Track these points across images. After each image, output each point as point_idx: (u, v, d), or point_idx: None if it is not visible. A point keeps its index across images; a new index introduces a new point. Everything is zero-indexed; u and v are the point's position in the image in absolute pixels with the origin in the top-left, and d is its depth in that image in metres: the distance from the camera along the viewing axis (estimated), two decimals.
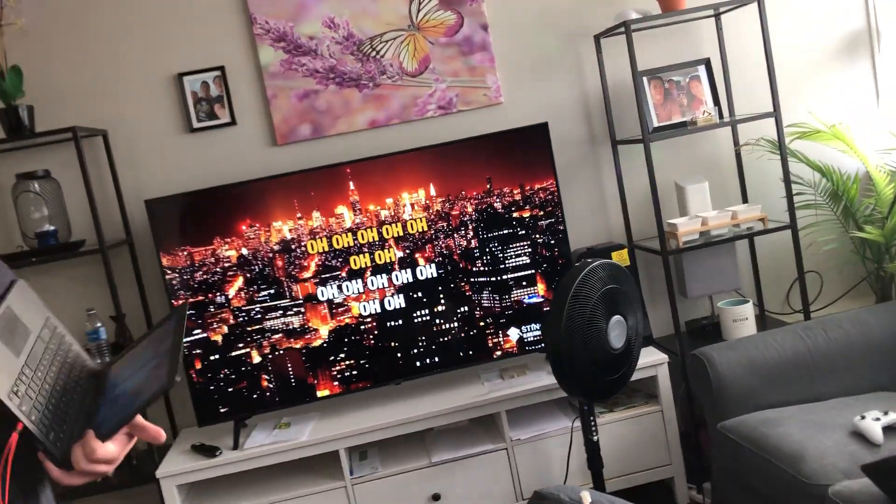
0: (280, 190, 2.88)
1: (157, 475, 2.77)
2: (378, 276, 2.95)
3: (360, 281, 2.94)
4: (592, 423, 2.68)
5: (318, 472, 2.97)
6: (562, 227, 3.00)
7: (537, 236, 3.00)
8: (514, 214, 2.98)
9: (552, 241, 3.01)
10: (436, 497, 2.87)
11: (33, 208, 2.94)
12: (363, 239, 2.93)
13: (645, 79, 3.09)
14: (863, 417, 2.23)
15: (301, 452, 2.83)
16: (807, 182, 3.17)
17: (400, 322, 2.97)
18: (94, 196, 2.88)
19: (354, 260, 2.93)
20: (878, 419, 2.21)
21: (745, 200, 3.31)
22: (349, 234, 2.92)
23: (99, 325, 2.93)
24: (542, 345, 3.04)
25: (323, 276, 2.92)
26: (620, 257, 3.05)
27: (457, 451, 2.91)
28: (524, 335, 3.04)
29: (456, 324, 3.00)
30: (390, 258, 2.95)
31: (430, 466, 2.87)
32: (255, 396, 2.93)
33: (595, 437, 2.69)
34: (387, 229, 2.94)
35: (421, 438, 3.11)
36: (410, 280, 2.96)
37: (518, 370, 3.12)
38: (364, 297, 2.95)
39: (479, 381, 3.08)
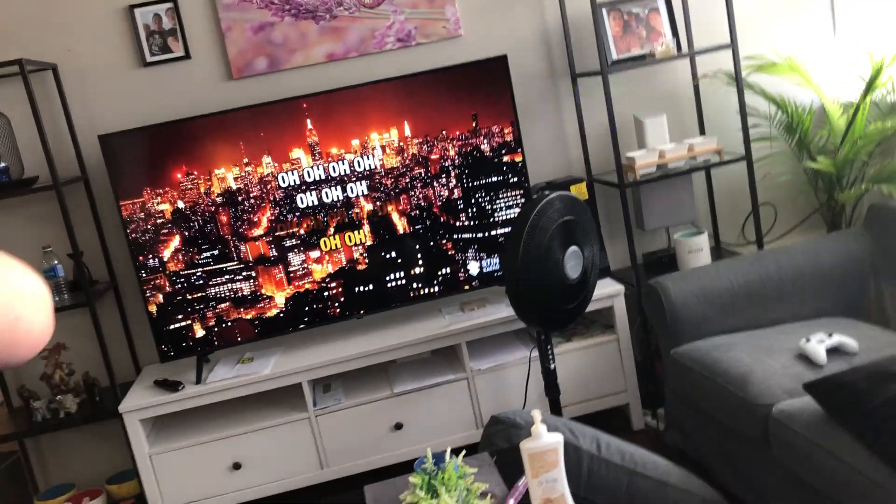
0: (234, 125, 2.85)
1: (120, 409, 2.79)
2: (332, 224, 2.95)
3: (324, 237, 2.94)
4: (549, 352, 2.74)
5: (281, 404, 3.01)
6: (521, 162, 3.01)
7: (496, 171, 3.01)
8: (470, 149, 2.98)
9: (511, 177, 3.02)
10: (398, 426, 2.93)
11: None
12: (325, 184, 2.92)
13: (604, 10, 3.08)
14: (808, 340, 2.31)
15: (264, 385, 2.86)
16: (762, 114, 3.20)
17: (365, 265, 2.99)
18: (46, 132, 2.82)
19: (316, 212, 2.92)
20: (822, 341, 2.29)
21: (702, 133, 3.34)
22: (309, 179, 2.91)
23: (56, 262, 2.90)
24: (502, 277, 3.08)
25: (278, 233, 2.92)
26: (579, 191, 3.08)
27: (419, 381, 2.96)
28: (484, 269, 3.07)
29: (418, 258, 3.02)
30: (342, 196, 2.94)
31: (393, 397, 2.92)
32: (216, 331, 2.94)
33: (552, 366, 2.76)
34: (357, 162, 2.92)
35: (384, 370, 3.15)
36: (367, 212, 2.97)
37: (478, 303, 3.16)
38: (327, 258, 2.95)
39: (441, 315, 3.12)
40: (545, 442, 1.77)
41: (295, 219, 2.93)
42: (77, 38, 3.03)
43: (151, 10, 3.06)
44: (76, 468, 3.23)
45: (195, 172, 2.85)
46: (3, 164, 2.87)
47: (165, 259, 2.88)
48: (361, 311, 3.02)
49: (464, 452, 1.99)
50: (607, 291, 2.99)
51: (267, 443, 2.87)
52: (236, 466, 2.87)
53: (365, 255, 2.99)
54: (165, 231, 2.86)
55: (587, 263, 2.67)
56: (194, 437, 2.87)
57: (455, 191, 3.00)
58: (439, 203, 3.00)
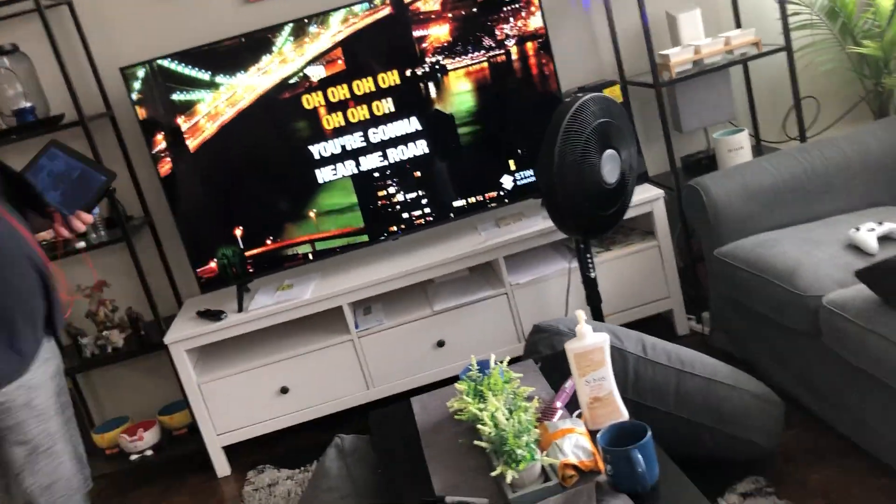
0: (255, 48, 2.78)
1: (166, 341, 2.83)
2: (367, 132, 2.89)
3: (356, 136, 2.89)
4: (589, 261, 2.69)
5: (324, 328, 3.02)
6: (551, 68, 2.91)
7: (525, 78, 2.91)
8: (499, 54, 2.88)
9: (541, 83, 2.93)
10: (440, 344, 2.93)
11: (6, 85, 2.86)
12: (359, 91, 2.85)
13: None
14: (857, 229, 2.23)
15: (306, 310, 2.87)
16: (803, 0, 3.04)
17: (378, 176, 2.94)
18: (68, 69, 2.79)
19: (352, 113, 2.86)
20: (872, 230, 2.21)
21: (738, 26, 3.19)
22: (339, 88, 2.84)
23: None
24: (536, 190, 3.02)
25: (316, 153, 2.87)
26: (613, 94, 2.97)
27: (458, 298, 2.95)
28: (517, 182, 3.01)
29: (452, 176, 2.97)
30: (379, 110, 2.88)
31: (434, 315, 2.92)
32: (255, 259, 2.94)
33: (592, 275, 2.72)
34: (382, 78, 2.84)
35: (422, 290, 3.14)
36: (403, 133, 2.91)
37: (514, 218, 3.11)
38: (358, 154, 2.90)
39: (476, 232, 3.09)
40: (591, 341, 1.74)
41: (325, 140, 2.88)
42: None
43: None
44: (128, 401, 3.30)
45: (221, 96, 2.80)
46: (29, 104, 2.85)
47: (198, 190, 2.86)
48: (398, 232, 2.99)
49: (508, 358, 1.98)
50: (646, 196, 2.92)
51: (312, 366, 2.90)
52: (284, 391, 2.90)
53: (395, 174, 2.94)
54: (196, 161, 2.84)
55: (625, 167, 2.60)
56: (240, 364, 2.91)
57: (483, 100, 2.91)
58: (467, 115, 2.92)
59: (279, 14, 3.05)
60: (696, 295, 3.08)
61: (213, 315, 2.89)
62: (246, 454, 3.05)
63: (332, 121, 2.86)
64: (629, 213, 2.83)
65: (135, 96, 2.76)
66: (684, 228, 3.07)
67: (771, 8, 3.15)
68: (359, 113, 2.86)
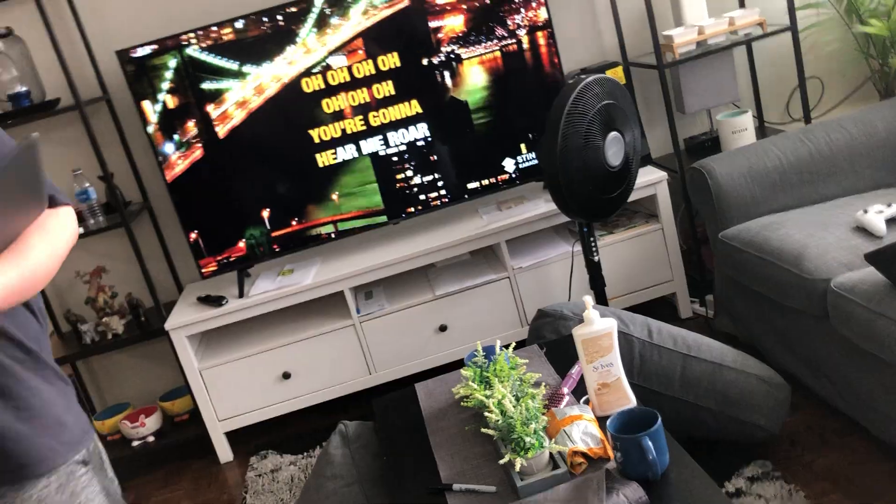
0: (242, 24, 2.74)
1: (166, 327, 2.81)
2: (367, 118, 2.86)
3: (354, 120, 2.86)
4: (593, 244, 2.67)
5: (325, 313, 3.00)
6: (552, 47, 2.88)
7: (526, 59, 2.88)
8: (501, 35, 2.84)
9: (543, 64, 2.89)
10: (443, 328, 2.92)
11: (1, 69, 2.82)
12: (358, 73, 2.82)
13: None
14: (865, 212, 2.21)
15: (307, 295, 2.85)
16: None
17: (395, 159, 2.91)
18: (63, 52, 2.74)
19: (352, 96, 2.83)
20: (880, 212, 2.19)
21: (742, 6, 3.15)
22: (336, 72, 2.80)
23: (87, 185, 2.88)
24: (539, 172, 2.99)
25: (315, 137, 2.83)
26: (615, 75, 2.94)
27: (460, 283, 2.93)
28: (519, 164, 2.98)
29: (451, 159, 2.94)
30: (378, 93, 2.84)
31: (435, 300, 2.90)
32: (254, 244, 2.91)
33: (596, 258, 2.70)
34: (382, 61, 2.81)
35: (424, 275, 3.12)
36: (402, 117, 2.88)
37: (515, 201, 3.09)
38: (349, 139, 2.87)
39: (478, 215, 3.06)
40: (598, 327, 1.72)
41: (327, 122, 2.85)
42: None
43: None
44: (129, 388, 3.29)
45: (220, 81, 2.76)
46: (24, 89, 2.81)
47: (197, 175, 2.83)
48: (415, 213, 2.96)
49: (513, 344, 1.96)
50: (649, 179, 2.89)
51: (314, 351, 2.88)
52: (286, 376, 2.89)
53: (397, 156, 2.91)
54: (194, 145, 2.80)
55: (629, 149, 2.57)
56: (242, 350, 2.89)
57: (484, 81, 2.88)
58: (468, 96, 2.89)
59: None
60: (699, 278, 3.07)
61: (214, 301, 2.87)
62: (248, 440, 3.04)
63: (352, 105, 2.83)
64: (632, 196, 2.81)
65: (130, 79, 2.72)
66: (688, 211, 3.05)
67: None
68: (379, 96, 2.83)
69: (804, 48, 3.10)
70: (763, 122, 3.29)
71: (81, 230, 2.84)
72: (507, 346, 2.18)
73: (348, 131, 2.86)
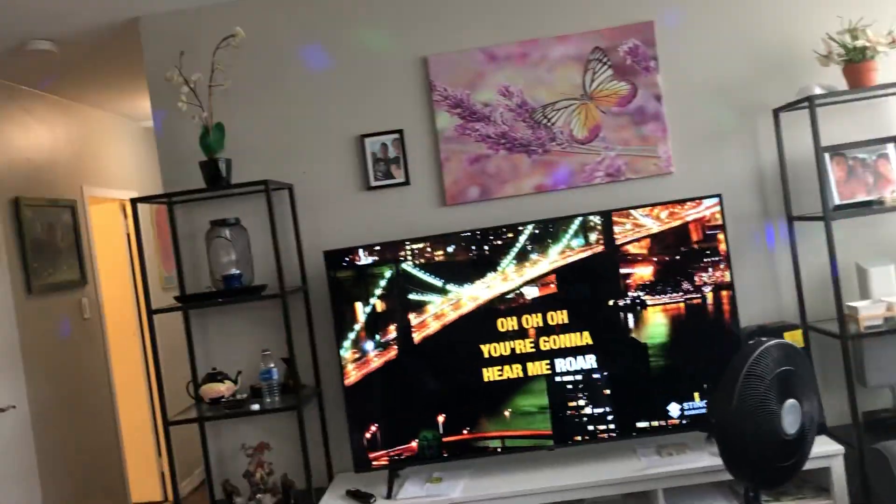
0: (447, 248, 2.98)
1: None
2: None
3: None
4: None
5: None
6: (732, 304, 2.92)
7: (705, 310, 2.93)
8: (685, 286, 2.93)
9: (722, 317, 2.93)
10: None
11: (223, 253, 3.18)
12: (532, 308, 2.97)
13: (827, 155, 2.98)
14: None
15: None
16: None
17: (569, 387, 2.97)
18: (279, 245, 3.08)
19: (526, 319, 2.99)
20: None
21: None
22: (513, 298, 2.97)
23: (272, 365, 3.10)
24: (705, 423, 2.93)
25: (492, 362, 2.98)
26: (794, 338, 2.91)
27: None
28: (685, 411, 2.94)
29: (617, 393, 2.95)
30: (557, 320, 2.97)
31: None
32: (411, 446, 2.99)
33: None
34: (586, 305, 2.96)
35: None
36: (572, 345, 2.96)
37: (676, 448, 3.01)
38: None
39: (635, 456, 3.00)
40: None
41: (501, 339, 2.98)
42: (312, 162, 3.34)
43: (379, 139, 3.32)
44: None
45: (424, 294, 3.00)
46: (237, 272, 3.15)
47: (372, 373, 3.00)
48: (563, 443, 2.97)
49: None
50: (824, 451, 2.76)
51: None
52: None
53: (572, 384, 2.97)
54: (391, 346, 3.01)
55: (806, 419, 2.49)
56: None
57: (661, 325, 2.94)
58: (643, 337, 2.94)
59: (471, 219, 3.26)
60: None
61: (363, 497, 2.93)
62: None
63: (539, 336, 3.00)
64: (804, 466, 2.67)
65: (331, 276, 3.00)
66: (863, 491, 2.85)
67: None
68: (563, 333, 2.99)
69: None
70: None
71: (257, 407, 3.03)
72: None
73: (518, 351, 2.98)
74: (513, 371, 2.99)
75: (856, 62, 2.93)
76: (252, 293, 3.10)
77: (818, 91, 2.88)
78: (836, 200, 2.97)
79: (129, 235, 5.24)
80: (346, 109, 3.33)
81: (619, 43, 3.24)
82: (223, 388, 3.14)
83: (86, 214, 4.65)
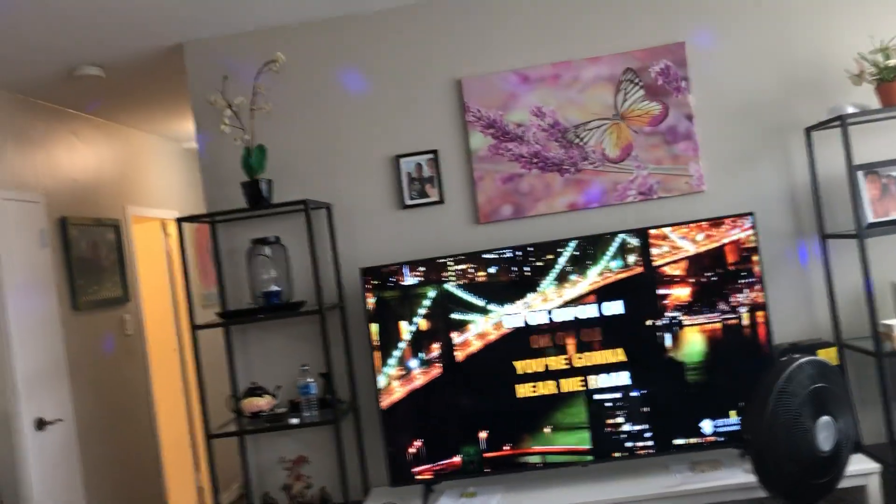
0: (482, 266, 3.04)
1: None
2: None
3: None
4: None
5: None
6: (766, 323, 2.93)
7: (738, 329, 2.95)
8: (720, 307, 2.96)
9: (755, 335, 2.95)
10: None
11: (263, 270, 3.28)
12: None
13: (860, 173, 3.00)
14: None
15: None
16: None
17: (608, 405, 3.01)
18: (318, 262, 3.16)
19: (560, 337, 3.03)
20: None
21: None
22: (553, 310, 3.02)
23: (310, 380, 3.18)
24: (739, 440, 2.94)
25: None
26: (828, 356, 2.92)
27: None
28: (717, 428, 2.96)
29: (655, 410, 2.98)
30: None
31: None
32: (454, 461, 3.04)
33: None
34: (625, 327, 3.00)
35: None
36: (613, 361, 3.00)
37: (710, 464, 3.02)
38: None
39: (668, 472, 3.02)
40: None
41: (569, 369, 3.03)
42: (349, 182, 3.43)
43: (414, 159, 3.40)
44: None
45: (467, 314, 3.07)
46: (277, 289, 3.23)
47: (411, 389, 3.06)
48: (602, 459, 3.01)
49: None
50: (860, 469, 2.76)
51: None
52: None
53: (625, 406, 3.01)
54: (434, 365, 3.08)
55: (841, 436, 2.49)
56: None
57: (697, 344, 2.96)
58: (680, 356, 2.97)
59: (504, 237, 3.32)
60: None
61: None
62: None
63: (579, 355, 3.06)
64: (840, 484, 2.67)
65: (368, 292, 3.07)
66: None
67: None
68: (601, 351, 3.04)
69: None
70: None
71: (296, 420, 3.10)
72: None
73: (557, 369, 3.03)
74: (553, 388, 3.04)
75: (888, 81, 2.95)
76: (291, 309, 3.18)
77: (850, 110, 2.91)
78: (870, 218, 2.98)
79: (168, 253, 5.37)
80: (383, 131, 3.41)
81: (650, 64, 3.29)
82: (263, 403, 3.22)
83: (129, 233, 4.79)
